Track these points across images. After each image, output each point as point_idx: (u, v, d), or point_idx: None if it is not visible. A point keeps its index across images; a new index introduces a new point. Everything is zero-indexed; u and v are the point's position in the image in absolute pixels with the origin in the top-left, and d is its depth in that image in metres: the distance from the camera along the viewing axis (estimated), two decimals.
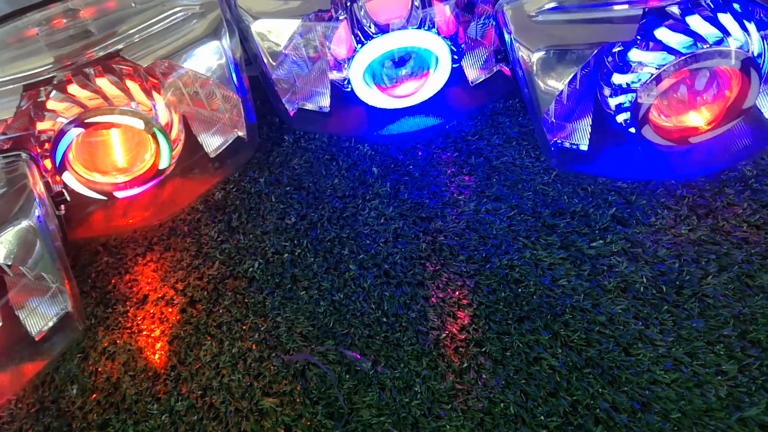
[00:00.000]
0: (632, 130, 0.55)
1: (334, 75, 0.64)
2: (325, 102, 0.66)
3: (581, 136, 0.57)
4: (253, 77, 0.62)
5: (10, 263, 0.49)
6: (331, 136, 0.65)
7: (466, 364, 0.47)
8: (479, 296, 0.51)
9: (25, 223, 0.48)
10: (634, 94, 0.52)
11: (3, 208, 0.48)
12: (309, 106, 0.66)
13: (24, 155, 0.50)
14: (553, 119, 0.56)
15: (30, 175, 0.50)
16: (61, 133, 0.54)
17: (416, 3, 0.60)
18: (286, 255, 0.56)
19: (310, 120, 0.66)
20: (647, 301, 0.49)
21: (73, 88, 0.55)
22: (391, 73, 0.63)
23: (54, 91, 0.55)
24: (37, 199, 0.49)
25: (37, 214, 0.49)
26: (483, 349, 0.48)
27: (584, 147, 0.57)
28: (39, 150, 0.55)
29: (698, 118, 0.54)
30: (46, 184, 0.54)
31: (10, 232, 0.48)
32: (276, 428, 0.46)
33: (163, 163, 0.59)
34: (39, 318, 0.54)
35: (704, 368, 0.45)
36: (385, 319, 0.51)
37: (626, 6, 0.53)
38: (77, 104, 0.55)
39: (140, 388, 0.50)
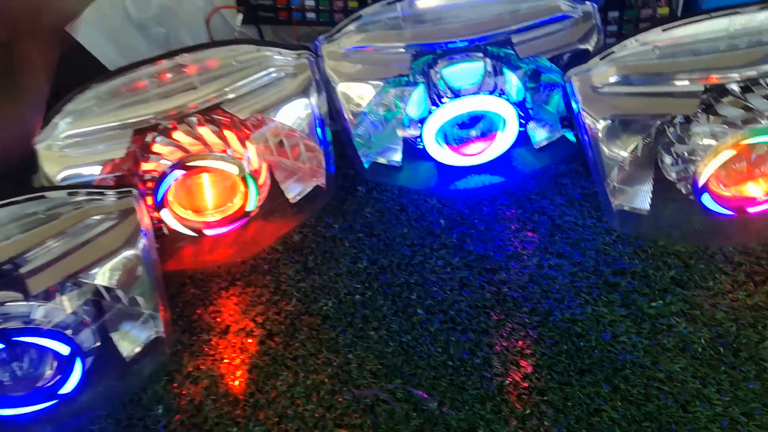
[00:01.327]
0: (692, 197, 0.58)
1: (408, 132, 0.69)
2: (397, 157, 0.71)
3: (642, 200, 0.61)
4: (333, 131, 0.68)
5: (115, 287, 0.54)
6: (401, 188, 0.70)
7: (528, 411, 0.50)
8: (542, 347, 0.53)
9: (131, 252, 0.54)
10: (694, 164, 0.56)
11: (113, 238, 0.54)
12: (382, 160, 0.72)
13: (134, 192, 0.56)
14: (616, 183, 0.60)
15: (138, 210, 0.55)
16: (165, 174, 0.60)
17: (488, 70, 0.65)
18: (357, 296, 0.60)
19: (383, 173, 0.71)
20: (705, 362, 0.51)
21: (177, 135, 0.62)
22: (462, 134, 0.68)
23: (160, 136, 0.62)
24: (143, 232, 0.55)
25: (142, 245, 0.54)
26: (545, 398, 0.50)
27: (645, 211, 0.60)
28: (141, 188, 0.62)
29: (756, 189, 0.57)
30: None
31: (117, 260, 0.54)
32: None
33: (251, 206, 0.65)
34: (130, 341, 0.59)
35: (760, 429, 0.46)
36: (450, 363, 0.54)
37: (687, 82, 0.57)
38: (180, 149, 0.61)
39: (221, 412, 0.54)
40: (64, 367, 0.54)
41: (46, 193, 0.53)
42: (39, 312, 0.52)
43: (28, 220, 0.53)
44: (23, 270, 0.51)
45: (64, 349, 0.53)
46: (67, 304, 0.53)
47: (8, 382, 0.55)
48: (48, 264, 0.52)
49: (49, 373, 0.55)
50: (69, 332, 0.53)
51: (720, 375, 0.50)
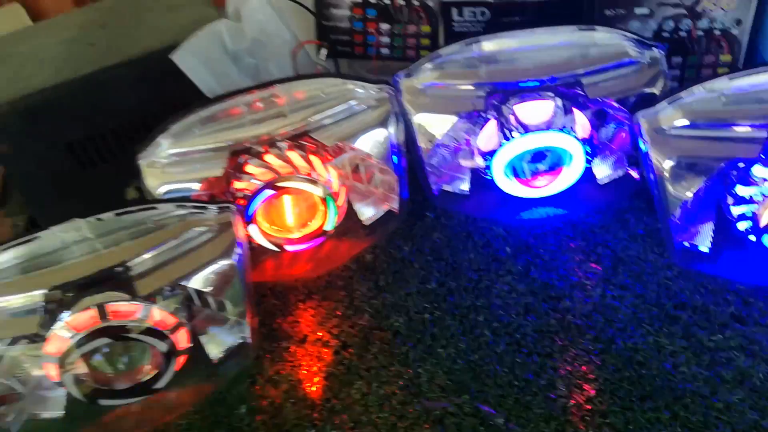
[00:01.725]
0: (752, 237, 0.61)
1: (476, 163, 0.74)
2: (465, 186, 0.75)
3: (704, 238, 0.63)
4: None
5: (210, 292, 0.59)
6: (468, 216, 0.74)
7: (590, 431, 0.53)
8: (605, 373, 0.56)
9: (227, 262, 0.59)
10: (755, 206, 0.59)
11: (212, 248, 0.59)
12: (450, 189, 0.76)
13: (232, 207, 0.61)
14: (679, 221, 0.63)
15: (235, 224, 0.61)
16: (256, 192, 0.66)
17: (558, 108, 0.69)
18: (426, 315, 0.64)
19: (451, 200, 0.76)
20: (763, 395, 0.53)
21: (269, 158, 0.67)
22: (530, 167, 0.72)
23: (253, 159, 0.67)
24: (239, 243, 0.60)
25: (237, 255, 0.60)
26: (607, 420, 0.53)
27: (706, 249, 0.63)
28: None
29: None
30: None
31: (214, 267, 0.59)
32: None
33: (329, 226, 0.70)
34: (217, 344, 0.64)
35: None
36: (516, 383, 0.57)
37: (749, 128, 0.60)
38: (271, 170, 0.67)
39: (299, 414, 0.58)
40: (161, 363, 0.60)
41: (158, 205, 0.59)
42: (143, 311, 0.57)
43: (138, 229, 0.59)
44: (132, 273, 0.57)
45: (162, 347, 0.58)
46: (166, 306, 0.59)
47: (112, 375, 0.60)
48: (154, 269, 0.58)
49: (147, 368, 0.61)
50: (167, 332, 0.59)
51: None
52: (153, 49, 0.78)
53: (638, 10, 0.79)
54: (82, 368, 0.57)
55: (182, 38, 0.77)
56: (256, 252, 0.70)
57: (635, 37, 0.70)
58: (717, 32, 0.79)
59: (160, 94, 0.79)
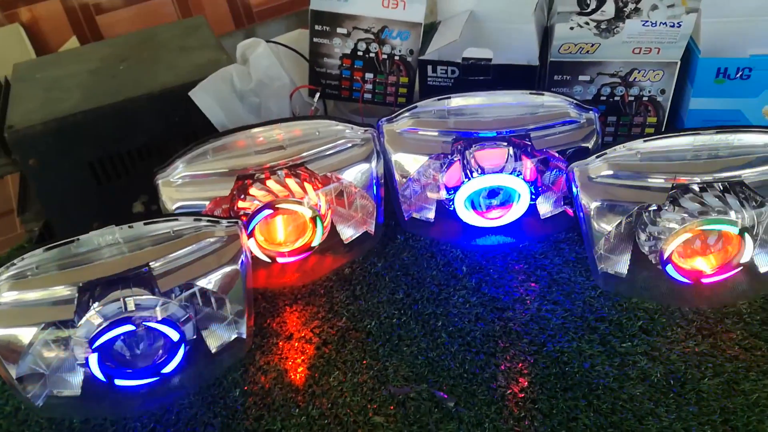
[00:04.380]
0: (659, 267, 0.75)
1: (441, 196, 0.87)
2: (431, 215, 0.88)
3: (622, 266, 0.77)
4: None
5: (217, 292, 0.71)
6: (432, 239, 0.87)
7: (523, 414, 0.66)
8: (536, 369, 0.70)
9: (233, 268, 0.71)
10: (661, 242, 0.73)
11: (221, 255, 0.70)
12: (418, 216, 0.89)
13: (239, 223, 0.74)
14: (602, 251, 0.77)
15: (240, 236, 0.73)
16: (257, 211, 0.78)
17: (510, 155, 0.83)
18: (394, 320, 0.77)
19: (418, 226, 0.88)
20: (658, 389, 0.67)
21: (269, 183, 0.80)
22: (485, 202, 0.86)
23: (256, 183, 0.80)
24: (243, 252, 0.72)
25: (241, 262, 0.72)
26: (536, 406, 0.66)
27: (623, 275, 0.77)
28: None
29: (705, 265, 0.74)
30: None
31: (223, 272, 0.71)
32: None
33: (316, 242, 0.83)
34: (215, 338, 0.75)
35: None
36: (465, 375, 0.70)
37: (662, 180, 0.75)
38: (271, 193, 0.79)
39: (286, 397, 0.70)
40: (171, 350, 0.71)
41: (179, 218, 0.71)
42: (160, 305, 0.69)
43: (160, 236, 0.71)
44: (153, 273, 0.69)
45: (174, 335, 0.69)
46: (179, 302, 0.70)
47: (129, 357, 0.71)
48: (173, 270, 0.69)
49: (159, 354, 0.72)
50: (178, 324, 0.70)
51: (669, 400, 0.65)
52: (170, 85, 0.90)
53: (581, 77, 0.94)
54: (104, 351, 0.68)
55: (195, 77, 0.90)
56: (252, 263, 0.82)
57: (575, 101, 0.84)
58: (645, 98, 0.94)
59: (172, 124, 0.92)
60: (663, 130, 0.95)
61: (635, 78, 0.93)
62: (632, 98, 0.95)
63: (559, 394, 0.67)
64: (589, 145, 0.82)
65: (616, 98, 0.95)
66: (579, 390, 0.67)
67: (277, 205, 0.78)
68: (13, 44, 1.74)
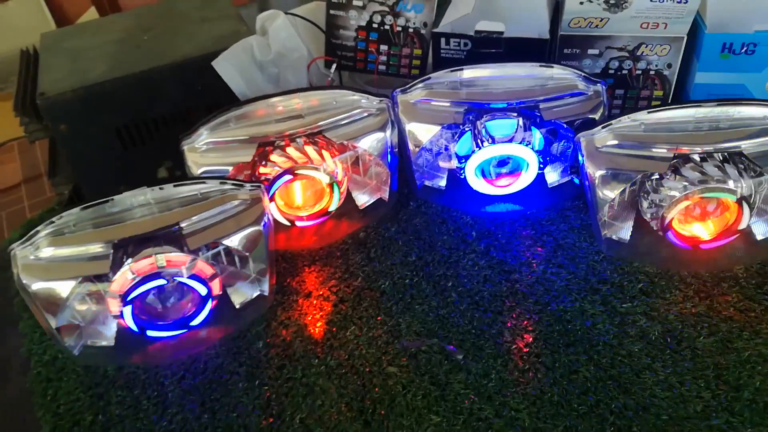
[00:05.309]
0: (660, 233, 0.79)
1: (453, 165, 0.91)
2: (442, 183, 0.92)
3: (624, 232, 0.81)
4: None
5: (242, 251, 0.75)
6: (443, 206, 0.91)
7: (527, 367, 0.70)
8: (541, 326, 0.74)
9: (256, 228, 0.75)
10: (662, 209, 0.77)
11: (245, 217, 0.74)
12: (431, 184, 0.93)
13: (262, 187, 0.78)
14: (605, 218, 0.81)
15: (263, 199, 0.77)
16: (278, 177, 0.82)
17: (520, 125, 0.86)
18: (407, 280, 0.81)
19: (430, 193, 0.92)
20: (656, 346, 0.71)
21: (289, 150, 0.83)
22: (495, 170, 0.90)
23: (276, 150, 0.84)
24: (266, 214, 0.76)
25: (264, 223, 0.76)
26: (540, 359, 0.71)
27: (625, 240, 0.81)
28: None
29: (703, 231, 0.78)
30: None
31: (247, 232, 0.75)
32: (395, 386, 0.70)
33: (333, 208, 0.87)
34: (240, 295, 0.80)
35: (689, 392, 0.66)
36: (473, 331, 0.74)
37: (664, 150, 0.78)
38: (291, 160, 0.83)
39: (306, 349, 0.75)
40: (199, 304, 0.76)
41: (207, 180, 0.75)
42: (189, 262, 0.73)
43: (188, 198, 0.75)
44: (183, 232, 0.73)
45: (202, 290, 0.74)
46: (206, 260, 0.75)
47: (160, 310, 0.76)
48: (200, 230, 0.73)
49: (188, 308, 0.77)
50: (206, 280, 0.74)
51: (665, 355, 0.70)
52: (192, 55, 0.94)
53: (590, 51, 0.97)
54: (137, 304, 0.73)
55: (217, 47, 0.93)
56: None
57: (584, 74, 0.87)
58: (652, 72, 0.97)
59: (194, 93, 0.95)
60: (669, 103, 0.98)
61: (643, 52, 0.96)
62: (639, 72, 0.97)
63: (561, 349, 0.72)
64: (596, 116, 0.86)
65: (624, 72, 0.98)
66: (580, 346, 0.72)
67: (296, 171, 0.82)
68: (34, 14, 1.78)
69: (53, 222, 0.72)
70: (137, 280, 0.71)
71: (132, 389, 0.73)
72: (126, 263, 0.71)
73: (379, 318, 0.77)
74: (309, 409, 0.69)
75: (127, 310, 0.72)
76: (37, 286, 0.70)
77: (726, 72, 0.94)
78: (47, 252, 0.71)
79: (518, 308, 0.76)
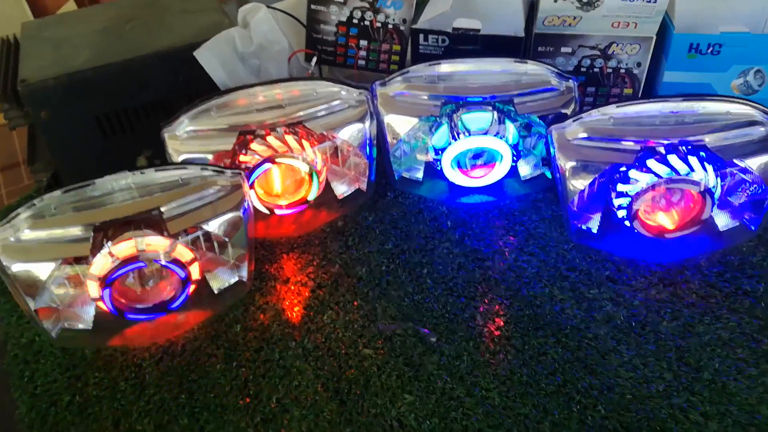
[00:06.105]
0: (627, 223, 0.82)
1: (430, 157, 0.94)
2: (419, 174, 0.95)
3: (594, 222, 0.84)
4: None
5: (222, 236, 0.77)
6: (420, 197, 0.93)
7: (498, 349, 0.73)
8: (511, 311, 0.76)
9: (236, 214, 0.77)
10: (629, 199, 0.80)
11: (225, 202, 0.76)
12: (407, 175, 0.96)
13: (242, 173, 0.79)
14: (575, 209, 0.84)
15: (243, 186, 0.79)
16: (258, 165, 0.84)
17: (495, 119, 0.89)
18: (384, 267, 0.83)
19: (407, 184, 0.94)
20: (621, 330, 0.74)
21: (270, 139, 0.85)
22: (470, 162, 0.93)
23: (257, 138, 0.85)
24: (246, 200, 0.78)
25: (243, 209, 0.77)
26: (510, 342, 0.73)
27: (594, 230, 0.84)
28: None
29: (667, 221, 0.82)
30: None
31: (226, 217, 0.76)
32: (371, 367, 0.72)
33: (311, 197, 0.88)
34: (218, 280, 0.81)
35: (651, 372, 0.69)
36: (447, 316, 0.77)
37: (631, 143, 0.81)
38: (271, 149, 0.85)
39: (283, 332, 0.76)
40: (178, 289, 0.77)
41: (188, 166, 0.76)
42: (169, 246, 0.74)
43: (169, 183, 0.76)
44: (165, 216, 0.74)
45: (181, 274, 0.75)
46: (186, 244, 0.76)
47: (139, 293, 0.77)
48: (181, 214, 0.74)
49: (167, 291, 0.78)
50: (185, 264, 0.76)
51: (630, 339, 0.73)
52: (174, 46, 0.95)
53: (563, 49, 1.00)
54: (116, 287, 0.74)
55: (199, 38, 0.95)
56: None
57: (557, 70, 0.91)
58: (622, 70, 1.01)
59: (176, 83, 0.97)
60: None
61: (613, 51, 0.99)
62: (610, 70, 1.01)
63: (531, 332, 0.74)
64: (568, 111, 0.88)
65: (596, 70, 1.01)
66: (549, 329, 0.74)
67: (276, 160, 0.84)
68: (12, 5, 1.77)
69: (34, 204, 0.72)
70: (117, 263, 0.72)
71: (110, 371, 0.74)
72: (106, 246, 0.72)
73: (355, 303, 0.79)
74: (286, 390, 0.70)
75: (106, 294, 0.73)
76: (16, 267, 0.70)
77: (693, 71, 0.98)
78: (27, 234, 0.72)
79: (490, 294, 0.79)
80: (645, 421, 0.65)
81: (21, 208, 0.72)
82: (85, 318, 0.78)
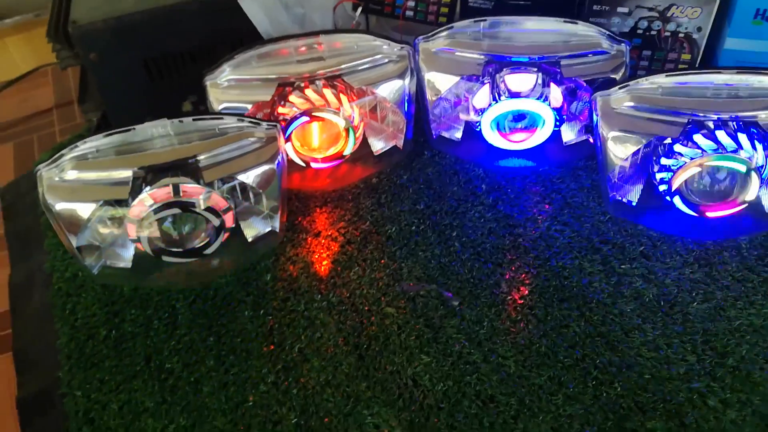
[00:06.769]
0: (668, 198, 0.79)
1: (470, 117, 0.92)
2: (458, 134, 0.93)
3: (633, 194, 0.81)
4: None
5: (255, 187, 0.78)
6: (457, 158, 0.92)
7: (519, 317, 0.73)
8: (538, 280, 0.76)
9: (270, 167, 0.78)
10: (672, 174, 0.77)
11: (260, 154, 0.77)
12: (446, 135, 0.94)
13: (278, 126, 0.80)
14: (615, 180, 0.81)
15: (278, 138, 0.79)
16: (295, 118, 0.84)
17: (539, 81, 0.86)
18: (413, 227, 0.84)
19: (445, 144, 0.93)
20: (648, 308, 0.72)
21: (308, 92, 0.85)
22: (510, 124, 0.90)
23: (296, 91, 0.85)
24: (280, 153, 0.79)
25: (278, 162, 0.78)
26: (533, 311, 0.73)
27: (633, 202, 0.82)
28: None
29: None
30: None
31: (261, 169, 0.78)
32: (392, 326, 0.73)
33: (347, 151, 0.89)
34: (252, 229, 0.83)
35: (674, 354, 0.68)
36: (472, 280, 0.77)
37: (679, 115, 0.77)
38: (309, 102, 0.85)
39: (310, 285, 0.78)
40: (213, 235, 0.79)
41: (225, 117, 0.78)
42: (205, 194, 0.76)
43: (206, 132, 0.77)
44: (200, 164, 0.76)
45: (216, 222, 0.77)
46: (221, 193, 0.78)
47: (176, 237, 0.80)
48: (217, 164, 0.76)
49: (202, 237, 0.80)
50: (220, 212, 0.78)
51: (656, 318, 0.71)
52: None
53: (620, 9, 0.95)
54: (154, 231, 0.77)
55: None
56: (288, 166, 0.89)
57: (608, 32, 0.86)
58: (681, 35, 0.95)
59: (220, 29, 0.97)
60: (696, 68, 0.96)
61: (673, 13, 0.94)
62: (668, 34, 0.96)
63: (555, 303, 0.74)
64: (617, 76, 0.85)
65: (653, 32, 0.96)
66: (574, 302, 0.74)
67: (314, 113, 0.84)
68: None
69: (77, 146, 0.75)
70: (155, 207, 0.74)
71: (145, 309, 0.78)
72: (144, 190, 0.75)
73: (382, 261, 0.80)
74: (308, 340, 0.73)
75: (144, 236, 0.76)
76: (60, 206, 0.74)
77: (757, 39, 0.92)
78: (71, 174, 0.75)
79: (518, 261, 0.78)
80: (661, 402, 0.65)
81: (66, 149, 0.75)
82: (125, 257, 0.81)
